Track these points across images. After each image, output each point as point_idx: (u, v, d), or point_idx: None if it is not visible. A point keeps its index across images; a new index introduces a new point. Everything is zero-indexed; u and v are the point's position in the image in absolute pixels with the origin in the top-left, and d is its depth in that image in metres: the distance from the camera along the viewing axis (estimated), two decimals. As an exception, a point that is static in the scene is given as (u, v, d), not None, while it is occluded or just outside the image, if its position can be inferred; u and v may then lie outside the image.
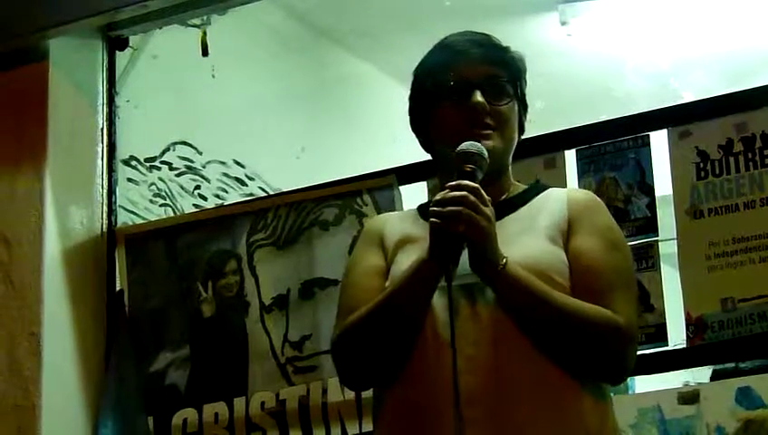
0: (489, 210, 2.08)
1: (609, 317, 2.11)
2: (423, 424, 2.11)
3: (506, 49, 2.32)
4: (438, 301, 2.13)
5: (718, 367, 3.13)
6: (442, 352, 2.09)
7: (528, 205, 2.27)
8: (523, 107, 2.35)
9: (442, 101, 2.27)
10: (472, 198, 2.06)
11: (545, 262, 2.15)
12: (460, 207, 2.05)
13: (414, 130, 2.37)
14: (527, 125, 2.36)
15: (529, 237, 2.20)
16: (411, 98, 2.36)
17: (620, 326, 2.11)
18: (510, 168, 2.35)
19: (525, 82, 2.35)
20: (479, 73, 2.25)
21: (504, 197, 2.29)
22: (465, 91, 2.24)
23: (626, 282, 2.19)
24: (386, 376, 2.18)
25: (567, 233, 2.21)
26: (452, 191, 2.07)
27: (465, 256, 2.09)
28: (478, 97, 2.23)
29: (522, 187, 2.35)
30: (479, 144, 2.16)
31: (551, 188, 2.34)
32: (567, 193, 2.31)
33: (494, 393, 2.08)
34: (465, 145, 2.15)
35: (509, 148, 2.30)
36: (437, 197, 2.09)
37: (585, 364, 2.11)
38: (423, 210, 2.31)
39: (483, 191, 2.08)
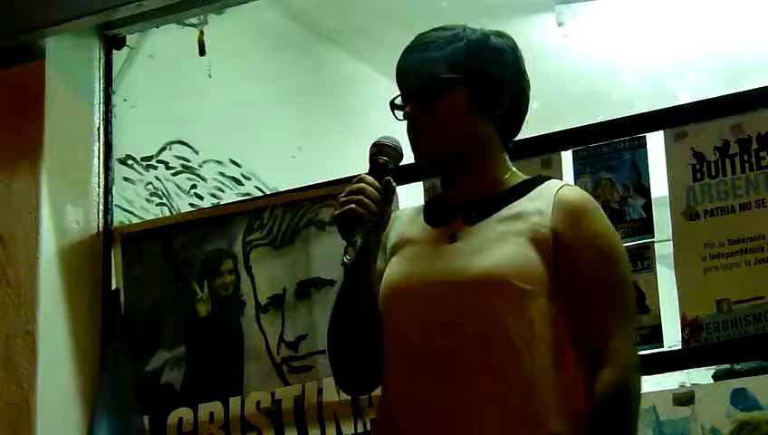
0: (381, 205, 2.17)
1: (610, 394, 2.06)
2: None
3: (451, 37, 2.22)
4: (405, 312, 2.14)
5: (720, 368, 3.13)
6: (411, 363, 2.11)
7: (519, 201, 2.18)
8: (489, 86, 2.20)
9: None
10: (369, 188, 2.16)
11: (514, 267, 2.09)
12: (350, 197, 2.15)
13: None
14: (524, 125, 2.29)
15: (506, 242, 2.12)
16: None
17: (620, 386, 2.06)
18: (497, 158, 2.24)
19: (489, 60, 2.21)
20: (411, 81, 2.23)
21: (495, 191, 2.21)
22: (405, 104, 2.24)
23: (620, 300, 2.13)
24: (361, 384, 2.26)
25: (552, 238, 2.12)
26: (353, 184, 2.17)
27: (427, 263, 2.15)
28: (408, 109, 2.23)
29: (520, 178, 2.25)
30: (394, 137, 2.23)
31: (547, 182, 2.23)
32: (558, 194, 2.18)
33: (452, 403, 2.06)
34: (380, 138, 2.23)
35: (452, 143, 2.21)
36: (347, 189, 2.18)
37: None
38: (426, 209, 2.31)
39: (392, 183, 2.20)
